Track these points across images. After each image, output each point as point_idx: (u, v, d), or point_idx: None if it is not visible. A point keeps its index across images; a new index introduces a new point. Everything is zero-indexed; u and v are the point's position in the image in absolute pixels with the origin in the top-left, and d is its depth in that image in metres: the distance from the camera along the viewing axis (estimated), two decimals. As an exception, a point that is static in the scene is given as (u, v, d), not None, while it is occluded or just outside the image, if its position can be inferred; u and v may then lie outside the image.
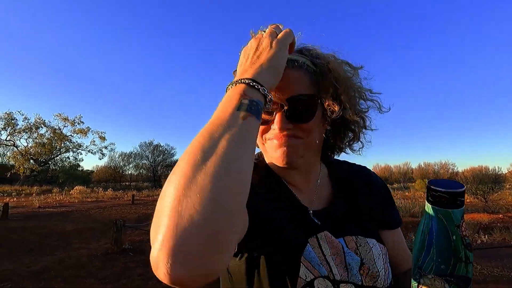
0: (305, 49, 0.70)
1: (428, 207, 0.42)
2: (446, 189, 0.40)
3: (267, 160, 0.74)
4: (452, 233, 0.40)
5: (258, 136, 0.64)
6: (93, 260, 5.36)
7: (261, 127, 0.65)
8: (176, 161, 0.43)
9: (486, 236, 6.50)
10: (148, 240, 0.37)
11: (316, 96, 0.64)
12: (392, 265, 0.70)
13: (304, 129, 0.64)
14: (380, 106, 0.75)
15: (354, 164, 0.86)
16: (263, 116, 0.63)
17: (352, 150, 0.78)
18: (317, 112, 0.65)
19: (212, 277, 0.36)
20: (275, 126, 0.62)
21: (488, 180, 13.39)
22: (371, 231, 0.71)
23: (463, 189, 0.40)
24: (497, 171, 14.91)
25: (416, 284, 0.44)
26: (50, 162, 33.63)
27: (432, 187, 0.41)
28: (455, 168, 42.14)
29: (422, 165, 45.51)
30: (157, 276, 0.35)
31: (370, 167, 0.85)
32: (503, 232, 6.63)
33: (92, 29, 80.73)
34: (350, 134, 0.76)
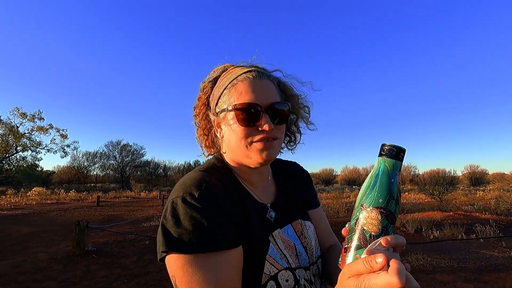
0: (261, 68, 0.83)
1: (379, 160, 0.55)
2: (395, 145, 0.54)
3: (233, 161, 0.82)
4: (391, 177, 0.53)
5: (239, 139, 0.74)
6: (52, 264, 5.08)
7: (246, 130, 0.73)
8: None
9: (438, 232, 7.08)
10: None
11: (289, 104, 0.79)
12: (318, 237, 0.90)
13: (281, 130, 0.77)
14: (308, 122, 0.91)
15: (285, 160, 1.03)
16: (249, 120, 0.72)
17: (289, 149, 0.92)
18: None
19: None
20: (265, 127, 0.71)
21: (444, 182, 14.45)
22: (305, 214, 0.91)
23: (405, 149, 0.54)
24: (452, 173, 16.15)
25: (356, 218, 0.55)
26: (3, 162, 30.92)
27: (386, 143, 0.55)
28: (416, 170, 44.92)
29: (387, 168, 47.71)
30: None
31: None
32: (452, 228, 7.24)
33: (54, 16, 75.68)
34: (287, 138, 0.90)
